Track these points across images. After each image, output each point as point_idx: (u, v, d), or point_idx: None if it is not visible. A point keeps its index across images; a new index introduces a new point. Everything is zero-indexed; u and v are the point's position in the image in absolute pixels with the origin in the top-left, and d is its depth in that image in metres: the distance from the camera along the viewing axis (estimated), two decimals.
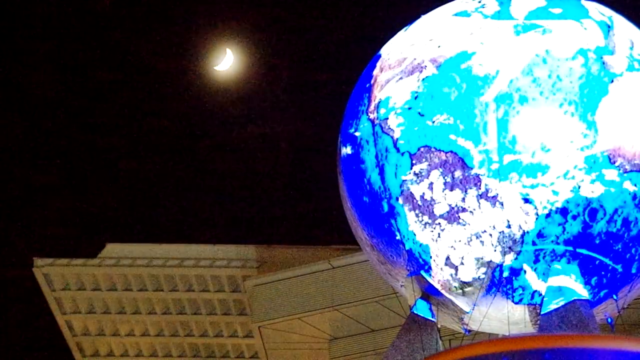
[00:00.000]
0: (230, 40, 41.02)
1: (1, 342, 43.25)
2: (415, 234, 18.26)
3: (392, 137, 18.40)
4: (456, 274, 18.23)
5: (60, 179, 46.04)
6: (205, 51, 41.42)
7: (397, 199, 18.46)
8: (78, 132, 46.14)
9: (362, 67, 20.33)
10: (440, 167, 17.89)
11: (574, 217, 17.76)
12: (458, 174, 17.81)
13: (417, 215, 18.15)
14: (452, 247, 18.03)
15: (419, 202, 18.08)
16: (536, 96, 17.86)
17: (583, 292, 17.92)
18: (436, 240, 18.09)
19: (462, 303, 18.65)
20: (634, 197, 17.92)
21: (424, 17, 19.92)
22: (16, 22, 43.76)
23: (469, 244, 17.95)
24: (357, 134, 19.35)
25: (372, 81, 19.34)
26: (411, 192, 18.12)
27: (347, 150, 19.65)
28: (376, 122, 18.74)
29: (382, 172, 18.72)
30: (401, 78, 18.74)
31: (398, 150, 18.29)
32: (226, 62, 39.94)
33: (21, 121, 45.90)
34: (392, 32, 20.48)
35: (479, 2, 19.22)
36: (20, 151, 46.09)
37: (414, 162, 18.12)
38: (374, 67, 19.78)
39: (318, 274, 34.45)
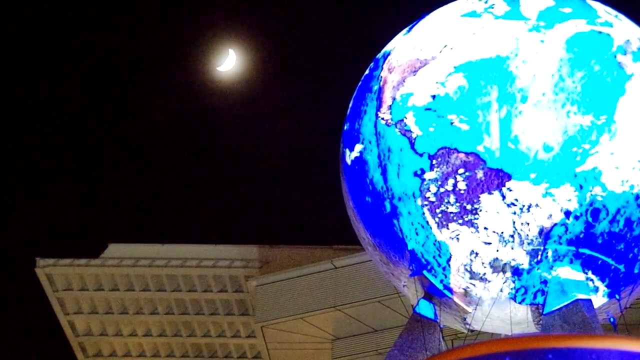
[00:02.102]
0: (232, 40, 41.04)
1: (3, 342, 43.27)
2: (432, 234, 18.22)
3: (409, 138, 18.32)
4: (469, 273, 18.24)
5: (62, 179, 46.08)
6: (208, 52, 41.43)
7: (399, 198, 18.47)
8: (80, 132, 46.18)
9: (365, 67, 20.33)
10: (459, 168, 17.86)
11: (577, 217, 17.76)
12: (478, 174, 17.79)
13: (434, 215, 18.12)
14: (468, 247, 18.04)
15: (438, 202, 18.06)
16: (539, 96, 17.87)
17: (597, 285, 18.03)
18: (455, 240, 18.07)
19: (464, 303, 18.67)
20: (637, 197, 17.92)
21: (429, 18, 19.88)
22: (16, 22, 43.79)
23: (481, 244, 17.97)
24: (360, 134, 19.38)
25: (381, 83, 19.24)
26: (429, 192, 18.08)
27: (349, 150, 19.65)
28: (390, 123, 18.65)
29: (384, 172, 18.72)
30: (415, 79, 18.65)
31: (416, 151, 18.22)
32: (229, 62, 39.98)
33: (23, 122, 45.94)
34: (394, 33, 20.48)
35: (486, 2, 19.19)
36: (22, 152, 46.13)
37: (433, 162, 18.05)
38: (378, 67, 19.77)
39: (320, 274, 34.46)
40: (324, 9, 44.36)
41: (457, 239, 18.05)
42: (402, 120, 18.50)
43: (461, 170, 17.88)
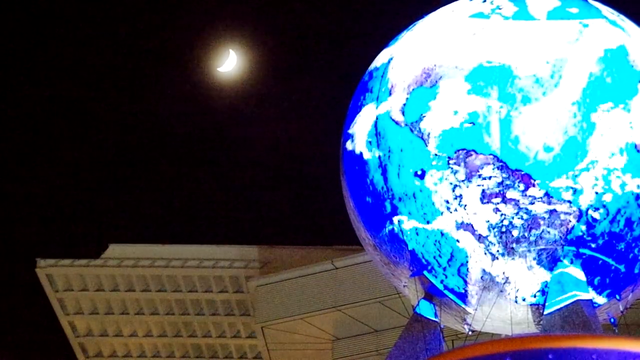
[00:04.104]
0: (233, 41, 41.04)
1: (4, 343, 43.27)
2: (448, 232, 18.19)
3: (424, 140, 18.22)
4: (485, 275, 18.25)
5: (63, 179, 46.08)
6: (208, 52, 41.43)
7: (400, 199, 18.46)
8: (81, 133, 46.18)
9: (365, 67, 20.31)
10: (478, 169, 17.80)
11: (577, 217, 17.75)
12: (497, 175, 17.74)
13: (452, 216, 18.10)
14: (482, 248, 18.03)
15: (457, 204, 18.02)
16: (539, 96, 17.86)
17: (597, 285, 18.03)
18: (471, 240, 18.05)
19: (464, 303, 18.66)
20: (637, 197, 17.91)
21: (430, 18, 19.82)
22: (18, 21, 43.80)
23: (494, 246, 17.97)
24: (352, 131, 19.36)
25: (389, 84, 19.10)
26: (447, 195, 18.03)
27: (349, 150, 19.63)
28: (403, 124, 18.53)
29: (384, 173, 18.70)
30: (425, 81, 18.57)
31: (432, 153, 18.10)
32: (229, 63, 39.96)
33: (24, 122, 45.94)
34: (393, 33, 20.46)
35: (491, 2, 19.12)
36: (23, 152, 46.13)
37: (451, 164, 17.96)
38: (378, 67, 19.73)
39: (321, 274, 34.45)
40: (324, 9, 44.37)
41: (474, 239, 18.01)
42: (416, 121, 18.38)
43: (479, 172, 17.82)
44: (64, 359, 39.89)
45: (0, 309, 43.67)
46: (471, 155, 17.88)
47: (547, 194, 17.64)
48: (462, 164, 17.89)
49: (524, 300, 18.23)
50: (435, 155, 18.04)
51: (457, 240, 18.07)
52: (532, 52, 18.18)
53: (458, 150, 17.92)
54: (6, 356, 41.13)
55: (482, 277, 18.20)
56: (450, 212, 18.03)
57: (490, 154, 17.76)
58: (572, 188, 17.66)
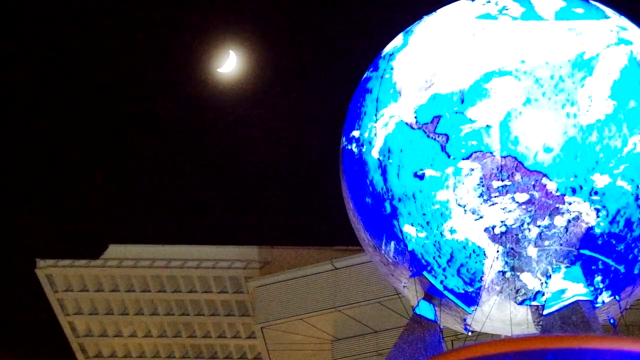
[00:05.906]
0: (233, 42, 41.05)
1: (3, 343, 43.24)
2: (448, 233, 18.19)
3: (439, 142, 18.16)
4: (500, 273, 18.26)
5: (63, 179, 46.08)
6: (208, 53, 41.45)
7: (399, 199, 18.46)
8: (81, 132, 46.20)
9: (365, 68, 20.32)
10: (494, 170, 17.78)
11: (577, 218, 17.76)
12: (516, 176, 17.73)
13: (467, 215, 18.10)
14: (496, 249, 18.06)
15: (473, 206, 18.01)
16: (539, 97, 17.86)
17: (597, 286, 18.04)
18: (489, 241, 18.07)
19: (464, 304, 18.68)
20: (637, 197, 17.92)
21: (436, 19, 19.78)
22: (18, 22, 43.84)
23: (510, 244, 18.01)
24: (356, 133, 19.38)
25: (397, 86, 19.05)
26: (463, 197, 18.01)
27: (349, 151, 19.63)
28: (415, 126, 18.44)
29: (384, 173, 18.71)
30: (434, 83, 18.52)
31: (449, 155, 18.08)
32: (229, 64, 39.97)
33: (25, 121, 45.97)
34: (393, 33, 20.46)
35: (496, 4, 19.10)
36: (23, 151, 46.15)
37: (469, 165, 17.93)
38: (378, 68, 19.73)
39: (321, 274, 34.46)
40: (324, 9, 44.39)
41: (492, 240, 18.01)
42: (429, 123, 18.32)
43: (483, 172, 17.79)
44: (64, 359, 39.89)
45: (0, 309, 43.67)
46: (482, 156, 17.85)
47: (547, 195, 17.66)
48: (468, 164, 17.90)
49: (524, 300, 18.25)
50: (448, 156, 18.02)
51: (458, 241, 18.08)
52: (533, 53, 18.19)
53: (470, 152, 17.89)
54: (6, 356, 41.11)
55: (481, 278, 18.21)
56: (451, 213, 18.04)
57: (498, 155, 17.76)
58: (571, 189, 17.69)
